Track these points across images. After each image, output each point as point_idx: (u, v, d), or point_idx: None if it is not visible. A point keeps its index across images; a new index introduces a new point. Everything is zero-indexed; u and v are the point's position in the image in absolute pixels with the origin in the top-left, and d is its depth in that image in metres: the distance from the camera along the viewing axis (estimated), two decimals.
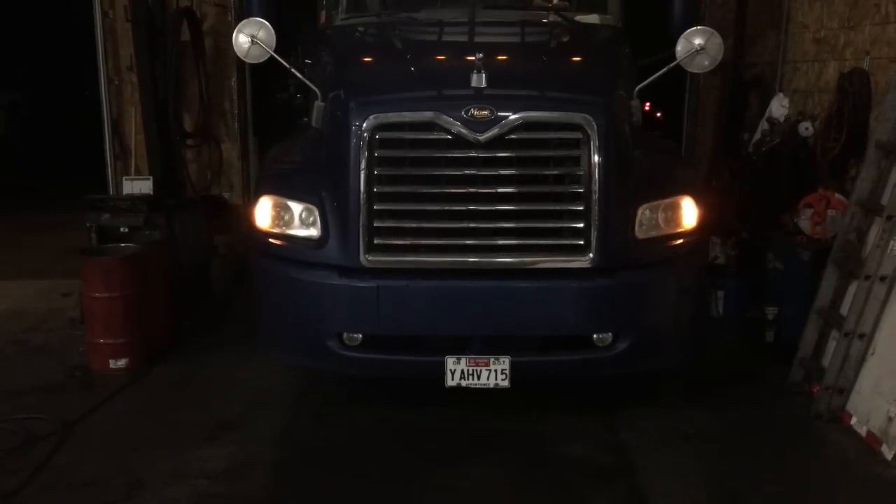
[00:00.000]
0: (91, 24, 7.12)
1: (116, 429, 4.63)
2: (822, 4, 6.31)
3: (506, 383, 4.30)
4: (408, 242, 4.24)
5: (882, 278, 4.53)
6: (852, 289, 4.79)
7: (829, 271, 5.01)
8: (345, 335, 4.36)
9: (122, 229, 5.99)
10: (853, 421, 4.57)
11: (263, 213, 4.51)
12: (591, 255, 4.18)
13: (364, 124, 4.17)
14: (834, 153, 5.73)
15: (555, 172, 4.24)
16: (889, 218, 4.51)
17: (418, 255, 4.23)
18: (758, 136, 6.54)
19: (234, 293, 7.21)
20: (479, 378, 4.29)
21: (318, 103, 4.77)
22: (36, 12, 17.15)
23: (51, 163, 14.09)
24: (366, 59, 5.16)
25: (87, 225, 6.03)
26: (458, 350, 4.31)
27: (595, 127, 4.15)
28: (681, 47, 4.55)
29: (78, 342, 5.68)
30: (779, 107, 6.52)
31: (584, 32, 5.40)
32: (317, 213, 4.36)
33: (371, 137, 4.17)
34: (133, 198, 6.25)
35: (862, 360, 4.62)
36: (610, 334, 4.35)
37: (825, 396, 4.70)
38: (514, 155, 4.19)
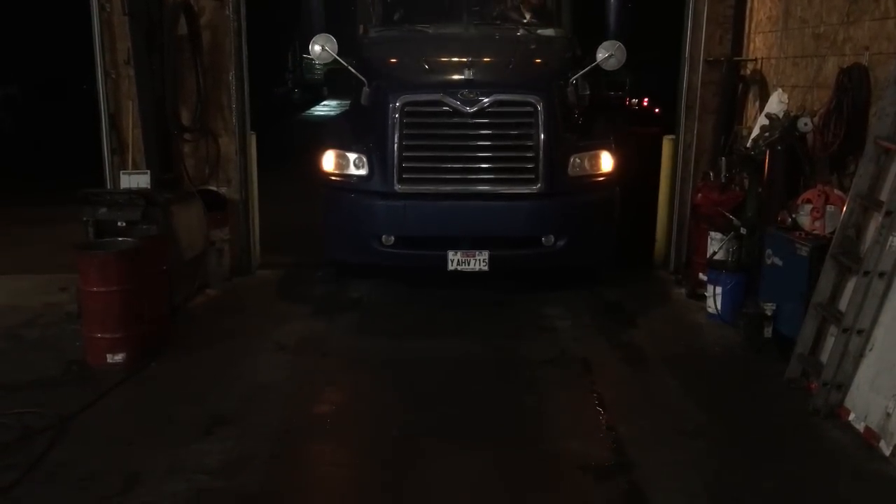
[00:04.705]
0: (88, 18, 7.07)
1: (113, 423, 4.62)
2: None
3: (486, 268, 6.40)
4: (424, 177, 6.38)
5: (881, 274, 4.52)
6: (851, 284, 4.79)
7: (827, 267, 5.00)
8: (383, 237, 6.49)
9: (119, 223, 5.95)
10: (851, 417, 4.57)
11: (329, 160, 6.72)
12: (538, 185, 6.36)
13: (397, 103, 6.30)
14: (833, 149, 5.71)
15: (515, 132, 6.37)
16: (888, 214, 4.51)
17: (430, 185, 6.39)
18: (756, 131, 6.52)
19: (231, 287, 7.21)
20: (468, 265, 6.41)
21: (365, 89, 6.77)
22: (32, 6, 17.09)
23: (47, 157, 14.04)
24: (396, 60, 7.16)
25: (84, 219, 5.99)
26: (455, 246, 6.39)
27: (541, 105, 6.28)
28: (599, 54, 6.60)
29: (75, 337, 5.66)
30: (777, 102, 6.51)
31: (541, 41, 7.39)
32: (365, 159, 6.52)
33: (401, 111, 6.28)
34: (130, 192, 6.21)
35: (860, 355, 4.61)
36: (552, 236, 6.51)
37: (823, 392, 4.70)
38: (490, 121, 6.33)
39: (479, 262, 6.37)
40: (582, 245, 6.61)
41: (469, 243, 6.39)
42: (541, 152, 6.28)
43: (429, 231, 6.47)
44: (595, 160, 6.64)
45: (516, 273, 7.19)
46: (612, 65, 6.59)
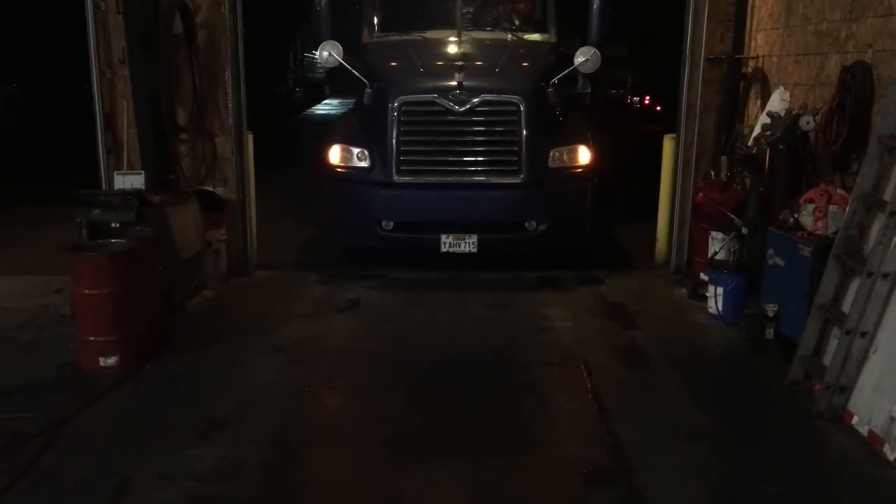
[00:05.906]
0: (83, 17, 7.00)
1: (105, 428, 4.57)
2: None
3: (475, 250, 7.10)
4: (420, 168, 7.09)
5: (884, 275, 4.46)
6: (854, 286, 4.72)
7: (830, 268, 4.94)
8: (383, 222, 7.23)
9: (113, 225, 5.89)
10: (854, 420, 4.50)
11: (335, 154, 7.47)
12: (522, 175, 7.07)
13: (396, 103, 7.01)
14: (835, 147, 5.64)
15: (501, 129, 7.09)
16: (892, 214, 4.44)
17: (425, 176, 7.10)
18: (758, 129, 6.45)
19: (228, 288, 7.16)
20: (459, 248, 7.10)
21: (367, 90, 7.55)
22: (29, 6, 17.05)
23: (45, 157, 13.99)
24: (395, 64, 7.95)
25: (78, 220, 5.92)
26: (447, 231, 7.08)
27: (524, 104, 7.01)
28: (577, 59, 7.35)
29: (68, 339, 5.60)
30: (779, 100, 6.44)
31: (528, 47, 8.23)
32: (367, 153, 7.26)
33: (399, 110, 7.00)
34: (125, 193, 6.15)
35: (864, 358, 4.55)
36: (534, 222, 7.22)
37: (826, 395, 4.63)
38: (478, 119, 7.05)
39: (468, 244, 7.08)
40: (561, 229, 7.34)
41: (460, 228, 7.09)
42: (523, 146, 7.01)
43: (424, 217, 7.17)
44: (573, 153, 7.36)
45: (502, 255, 7.76)
46: (588, 68, 7.40)
